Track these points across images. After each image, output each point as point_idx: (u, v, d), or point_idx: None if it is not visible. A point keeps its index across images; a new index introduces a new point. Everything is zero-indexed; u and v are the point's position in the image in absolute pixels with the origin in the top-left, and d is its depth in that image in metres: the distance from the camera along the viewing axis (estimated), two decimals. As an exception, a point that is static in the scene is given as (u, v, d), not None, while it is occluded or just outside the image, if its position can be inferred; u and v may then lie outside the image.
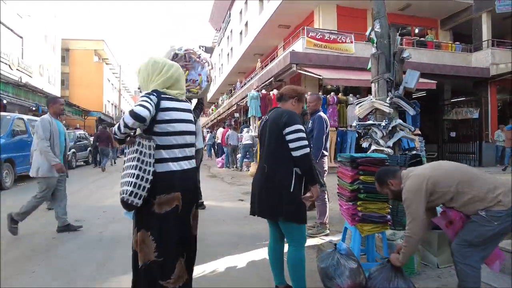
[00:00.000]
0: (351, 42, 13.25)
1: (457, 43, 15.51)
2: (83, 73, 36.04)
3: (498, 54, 14.64)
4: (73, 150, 13.25)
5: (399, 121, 3.82)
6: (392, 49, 3.97)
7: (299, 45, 12.67)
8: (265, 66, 17.16)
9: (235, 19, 26.36)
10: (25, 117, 9.90)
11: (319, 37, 12.81)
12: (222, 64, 33.32)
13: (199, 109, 4.39)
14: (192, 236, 2.18)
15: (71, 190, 7.64)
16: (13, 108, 14.89)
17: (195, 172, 2.25)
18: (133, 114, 1.84)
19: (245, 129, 12.77)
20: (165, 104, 1.99)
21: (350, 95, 11.47)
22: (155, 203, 1.92)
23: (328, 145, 10.39)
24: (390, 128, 3.78)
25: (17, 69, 19.61)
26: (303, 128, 2.23)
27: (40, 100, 19.06)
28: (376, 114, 3.94)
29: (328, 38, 12.95)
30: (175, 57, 3.41)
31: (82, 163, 15.46)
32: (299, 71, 11.63)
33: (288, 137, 2.19)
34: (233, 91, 24.84)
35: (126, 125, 1.86)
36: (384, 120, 3.81)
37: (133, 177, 1.88)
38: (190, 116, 2.17)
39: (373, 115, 3.97)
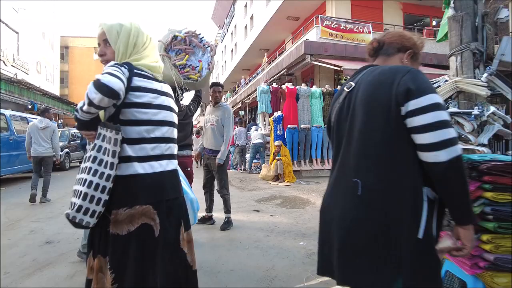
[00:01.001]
0: (369, 32, 12.19)
1: (481, 34, 14.34)
2: (83, 71, 35.21)
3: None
4: (66, 150, 12.19)
5: (493, 108, 2.70)
6: (480, 9, 2.87)
7: (312, 35, 11.60)
8: (273, 60, 16.08)
9: (240, 13, 25.30)
10: (7, 112, 8.82)
11: (334, 27, 11.76)
12: (225, 61, 32.27)
13: (197, 102, 3.97)
14: (188, 273, 1.56)
15: (55, 196, 6.60)
16: (7, 106, 13.92)
17: (177, 176, 1.62)
18: (99, 85, 1.29)
19: (253, 127, 11.69)
20: (138, 82, 1.45)
21: (371, 88, 10.34)
22: (111, 220, 1.38)
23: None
24: (484, 118, 2.67)
25: (12, 65, 18.72)
26: (443, 104, 1.12)
27: (36, 98, 18.11)
28: (458, 98, 2.84)
29: (344, 28, 11.89)
30: (174, 40, 3.18)
31: (78, 163, 14.34)
32: (314, 63, 10.54)
33: (416, 120, 1.06)
34: (237, 89, 23.82)
35: (90, 103, 1.30)
36: (477, 107, 2.70)
37: (83, 185, 1.36)
38: (170, 102, 1.62)
39: (454, 100, 2.86)
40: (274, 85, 10.38)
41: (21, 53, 20.35)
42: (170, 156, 1.55)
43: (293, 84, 9.70)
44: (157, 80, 1.57)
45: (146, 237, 1.39)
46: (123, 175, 1.38)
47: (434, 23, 15.92)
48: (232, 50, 28.62)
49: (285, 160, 8.47)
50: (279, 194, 6.91)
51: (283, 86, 9.65)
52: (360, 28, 12.09)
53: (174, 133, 1.63)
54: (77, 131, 13.13)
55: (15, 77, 17.26)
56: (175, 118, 1.63)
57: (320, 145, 9.28)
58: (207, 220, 4.40)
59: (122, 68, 1.39)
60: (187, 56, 3.27)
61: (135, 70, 1.45)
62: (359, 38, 11.94)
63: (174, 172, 1.57)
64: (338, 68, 9.99)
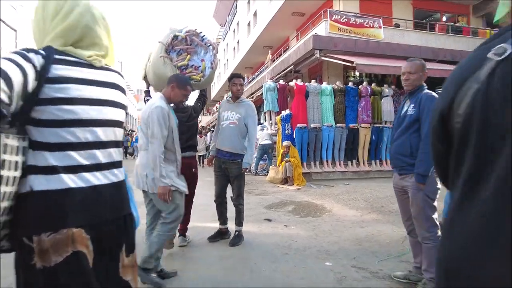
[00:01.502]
0: (380, 27, 11.60)
1: (496, 29, 13.72)
2: (82, 70, 34.60)
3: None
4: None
5: None
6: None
7: (320, 30, 11.03)
8: (277, 58, 15.51)
9: (243, 9, 24.73)
10: None
11: (343, 21, 11.17)
12: (227, 60, 31.72)
13: (202, 102, 3.71)
14: None
15: None
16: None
17: (122, 189, 1.29)
18: None
19: (259, 126, 11.13)
20: (59, 71, 1.10)
21: (385, 85, 9.79)
22: (34, 249, 1.04)
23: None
24: None
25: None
26: None
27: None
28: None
29: (354, 22, 11.31)
30: (174, 40, 3.16)
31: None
32: (323, 58, 9.97)
33: None
34: (240, 87, 23.19)
35: None
36: None
37: None
38: (114, 95, 1.25)
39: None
40: (281, 82, 9.83)
41: (19, 51, 19.83)
42: (111, 165, 1.24)
43: (302, 81, 9.15)
44: (95, 67, 1.22)
45: (77, 269, 1.11)
46: (44, 190, 1.08)
47: (444, 18, 15.32)
48: (234, 48, 28.06)
49: (294, 161, 7.91)
50: (290, 199, 6.35)
51: (292, 83, 9.09)
52: (371, 22, 11.50)
53: (118, 134, 1.29)
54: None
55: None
56: (120, 116, 1.29)
57: (331, 146, 8.72)
58: (223, 234, 3.76)
59: (31, 54, 1.06)
60: (188, 56, 3.18)
61: (56, 56, 1.12)
62: (369, 33, 11.36)
63: (117, 185, 1.25)
64: (350, 64, 9.43)
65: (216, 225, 3.89)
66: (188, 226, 3.67)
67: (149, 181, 2.47)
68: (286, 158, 7.98)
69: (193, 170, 3.51)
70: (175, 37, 3.18)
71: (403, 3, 13.97)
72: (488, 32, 13.58)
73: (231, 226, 3.78)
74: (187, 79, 2.79)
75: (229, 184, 3.69)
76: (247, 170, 3.69)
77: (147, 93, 3.72)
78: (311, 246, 3.57)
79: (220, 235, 3.73)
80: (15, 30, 19.64)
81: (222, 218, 3.75)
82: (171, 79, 2.67)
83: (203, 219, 4.64)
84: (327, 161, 8.72)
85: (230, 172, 3.54)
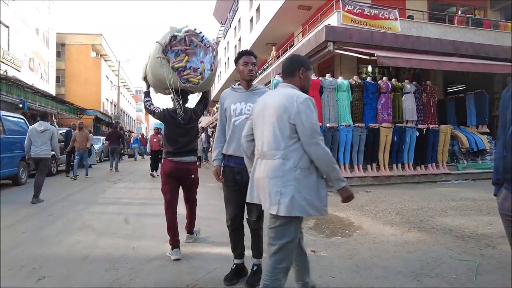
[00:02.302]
0: (396, 19, 10.74)
1: (518, 22, 12.87)
2: (80, 69, 33.79)
3: None
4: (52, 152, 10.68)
5: None
6: None
7: (333, 21, 10.13)
8: (282, 54, 14.61)
9: (244, 5, 23.85)
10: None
11: (357, 12, 10.29)
12: (228, 58, 30.81)
13: (203, 104, 3.55)
14: None
15: (9, 222, 5.06)
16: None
17: None
18: None
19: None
20: None
21: (406, 81, 8.87)
22: None
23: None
24: None
25: (1, 61, 17.29)
26: None
27: (27, 96, 16.68)
28: None
29: (369, 14, 10.44)
30: (173, 40, 3.12)
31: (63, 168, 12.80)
32: (337, 51, 9.05)
33: None
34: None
35: None
36: None
37: None
38: None
39: None
40: (291, 77, 8.90)
41: (12, 49, 18.96)
42: None
43: (315, 75, 8.23)
44: None
45: None
46: None
47: (460, 12, 14.45)
48: (235, 46, 27.18)
49: (309, 166, 6.98)
50: (308, 210, 5.43)
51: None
52: (386, 14, 10.63)
53: None
54: (64, 131, 11.70)
55: (5, 73, 15.84)
56: None
57: (349, 148, 7.79)
58: (241, 271, 2.76)
59: None
60: (187, 57, 3.11)
61: None
62: (385, 25, 10.49)
63: None
64: (368, 57, 8.51)
65: (226, 251, 2.97)
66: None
67: (291, 199, 1.83)
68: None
69: (193, 176, 3.44)
70: (174, 37, 3.10)
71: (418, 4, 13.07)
72: (510, 25, 12.68)
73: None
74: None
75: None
76: None
77: (147, 94, 3.59)
78: (356, 284, 2.65)
79: (237, 273, 2.74)
80: (7, 27, 18.80)
81: (239, 249, 2.75)
82: (302, 63, 2.10)
83: (210, 240, 3.75)
84: (344, 165, 7.79)
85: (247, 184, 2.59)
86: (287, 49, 14.51)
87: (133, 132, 38.77)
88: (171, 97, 3.29)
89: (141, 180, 9.82)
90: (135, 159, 20.14)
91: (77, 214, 5.28)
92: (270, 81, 9.16)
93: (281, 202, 1.84)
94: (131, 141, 23.04)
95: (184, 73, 3.10)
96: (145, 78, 3.49)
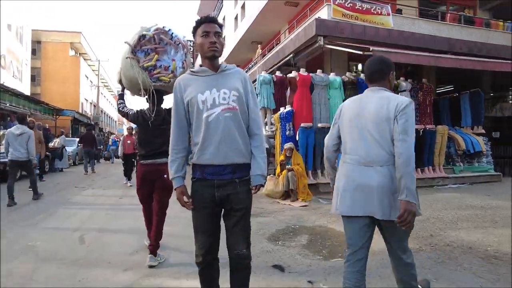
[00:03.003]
0: (388, 14, 10.17)
1: (509, 21, 12.58)
2: (57, 68, 32.23)
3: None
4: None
5: None
6: None
7: (323, 15, 9.50)
8: (269, 51, 13.93)
9: (229, 3, 23.13)
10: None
11: (348, 6, 9.67)
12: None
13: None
14: None
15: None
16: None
17: None
18: None
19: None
20: None
21: (401, 78, 8.31)
22: None
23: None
24: None
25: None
26: None
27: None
28: None
29: (360, 8, 9.83)
30: (142, 40, 3.06)
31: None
32: (328, 46, 8.42)
33: None
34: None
35: None
36: None
37: None
38: None
39: None
40: (278, 73, 8.21)
41: (-21, 45, 17.64)
42: None
43: (305, 71, 7.55)
44: None
45: None
46: None
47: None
48: (220, 45, 26.38)
49: (298, 170, 6.29)
50: (299, 222, 4.73)
51: (293, 74, 7.48)
52: (378, 9, 10.07)
53: None
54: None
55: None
56: None
57: (342, 150, 7.15)
58: None
59: None
60: (156, 56, 3.07)
61: None
62: (377, 20, 9.91)
63: None
64: (361, 53, 7.91)
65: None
66: None
67: (394, 203, 1.83)
68: (288, 166, 6.36)
69: (165, 176, 3.16)
70: (143, 36, 3.05)
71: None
72: (501, 24, 12.37)
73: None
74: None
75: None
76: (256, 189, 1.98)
77: (121, 96, 3.56)
78: None
79: None
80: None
81: None
82: (391, 65, 2.05)
83: (180, 269, 2.98)
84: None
85: (234, 203, 1.86)
86: (273, 47, 13.84)
87: (113, 133, 37.33)
88: (146, 98, 3.26)
89: (113, 186, 8.91)
90: (112, 162, 19.07)
91: (24, 230, 4.40)
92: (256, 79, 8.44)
93: (392, 206, 1.83)
94: (110, 142, 21.88)
95: (155, 72, 3.04)
96: (120, 81, 3.44)
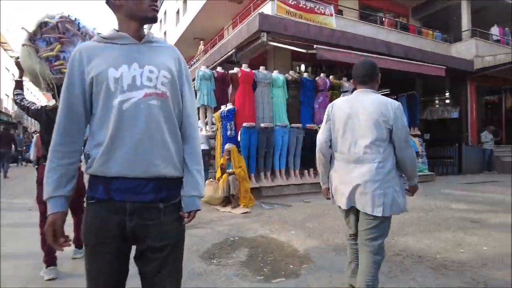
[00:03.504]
0: (331, 14, 10.17)
1: (437, 31, 13.45)
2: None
3: (480, 47, 12.93)
4: None
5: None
6: None
7: (267, 10, 9.15)
8: (211, 48, 13.30)
9: (171, -4, 21.98)
10: None
11: (292, 3, 9.46)
12: (153, 54, 28.42)
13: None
14: None
15: None
16: None
17: None
18: None
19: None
20: None
21: (344, 78, 8.24)
22: None
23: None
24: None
25: None
26: None
27: None
28: None
29: (304, 6, 9.68)
30: (43, 27, 2.80)
31: None
32: (271, 43, 8.06)
33: None
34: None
35: None
36: None
37: None
38: None
39: None
40: (220, 69, 7.65)
41: None
42: None
43: (248, 67, 7.08)
44: None
45: None
46: None
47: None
48: (161, 41, 25.08)
49: (240, 173, 5.78)
50: (239, 233, 4.21)
51: (235, 70, 6.96)
52: (322, 8, 10.00)
53: None
54: None
55: None
56: None
57: (285, 152, 6.79)
58: None
59: None
60: (58, 46, 2.82)
61: None
62: (320, 20, 9.83)
63: None
64: (304, 51, 7.68)
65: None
66: None
67: (390, 200, 1.96)
68: (229, 169, 5.82)
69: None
70: (44, 23, 2.79)
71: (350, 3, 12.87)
72: (431, 33, 13.17)
73: None
74: None
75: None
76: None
77: (19, 84, 3.17)
78: None
79: None
80: None
81: None
82: (378, 69, 2.19)
83: None
84: (280, 171, 6.77)
85: (155, 240, 1.24)
86: (216, 43, 13.24)
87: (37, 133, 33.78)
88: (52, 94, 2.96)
89: (25, 194, 7.60)
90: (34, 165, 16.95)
91: None
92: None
93: (385, 203, 1.94)
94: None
95: (57, 63, 2.81)
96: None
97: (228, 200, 5.77)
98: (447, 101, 15.60)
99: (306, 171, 7.20)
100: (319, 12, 9.86)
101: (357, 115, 2.02)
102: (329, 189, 2.26)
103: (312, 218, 4.90)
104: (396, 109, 1.98)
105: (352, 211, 2.13)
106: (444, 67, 9.57)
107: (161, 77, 1.26)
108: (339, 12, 11.32)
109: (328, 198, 2.29)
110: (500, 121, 14.67)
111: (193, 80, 8.60)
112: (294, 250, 3.54)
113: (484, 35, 13.70)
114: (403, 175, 2.09)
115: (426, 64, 9.18)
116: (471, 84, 13.07)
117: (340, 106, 2.13)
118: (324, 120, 2.22)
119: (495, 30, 14.56)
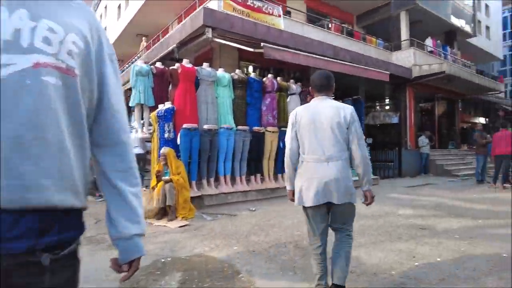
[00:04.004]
0: (279, 15, 9.94)
1: (380, 39, 13.96)
2: None
3: (418, 56, 13.67)
4: None
5: None
6: None
7: (213, 6, 8.62)
8: (153, 44, 12.42)
9: (111, -11, 20.48)
10: None
11: (240, 1, 9.04)
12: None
13: None
14: None
15: None
16: None
17: None
18: None
19: (127, 128, 7.95)
20: None
21: (291, 80, 7.97)
22: None
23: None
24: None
25: None
26: None
27: None
28: None
29: (252, 5, 9.32)
30: None
31: None
32: (216, 40, 7.55)
33: None
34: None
35: None
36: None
37: None
38: None
39: None
40: (159, 65, 6.94)
41: None
42: None
43: (190, 62, 6.47)
44: None
45: None
46: None
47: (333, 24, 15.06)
48: (100, 36, 23.30)
49: (179, 181, 5.15)
50: (172, 252, 3.60)
51: (175, 66, 6.32)
52: (270, 8, 9.73)
53: None
54: None
55: None
56: None
57: (231, 156, 6.28)
58: None
59: None
60: None
61: None
62: (268, 20, 9.53)
63: None
64: (252, 50, 7.30)
65: None
66: None
67: (354, 190, 2.30)
68: (166, 177, 5.16)
69: None
70: None
71: (297, 2, 12.82)
72: (374, 40, 13.62)
73: None
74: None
75: None
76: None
77: None
78: None
79: None
80: None
81: None
82: (333, 80, 2.47)
83: None
84: (224, 177, 6.24)
85: None
86: (160, 39, 12.38)
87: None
88: None
89: None
90: None
91: None
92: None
93: (352, 193, 2.26)
94: None
95: None
96: None
97: (165, 211, 5.10)
98: (387, 107, 16.36)
99: (252, 177, 6.76)
100: (267, 12, 9.56)
101: (320, 120, 2.27)
102: (294, 191, 2.39)
103: (257, 229, 4.45)
104: (352, 112, 2.28)
105: (321, 207, 2.28)
106: (389, 72, 9.80)
107: (69, 43, 0.78)
108: (287, 13, 11.18)
109: (292, 200, 2.41)
110: (433, 127, 15.66)
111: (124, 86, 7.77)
112: (236, 272, 3.04)
113: (420, 45, 14.54)
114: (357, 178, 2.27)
115: (372, 69, 9.29)
116: (410, 91, 13.73)
117: (302, 113, 2.35)
118: (289, 127, 2.39)
119: (429, 42, 15.56)
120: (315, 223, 2.33)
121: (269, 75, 7.35)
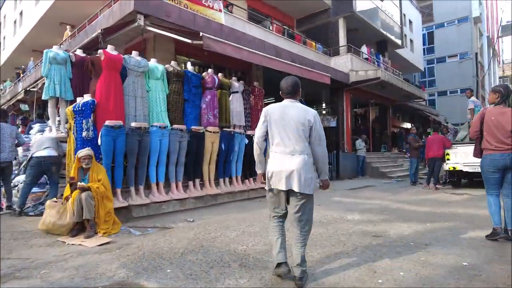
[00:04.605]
0: (220, 10, 9.37)
1: (319, 43, 14.14)
2: None
3: (354, 62, 14.11)
4: None
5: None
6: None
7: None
8: (78, 32, 10.99)
9: (28, -30, 18.02)
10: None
11: (178, -10, 8.26)
12: (4, 37, 23.05)
13: None
14: None
15: None
16: None
17: None
18: None
19: (37, 126, 6.65)
20: None
21: (234, 78, 7.42)
22: None
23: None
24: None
25: None
26: None
27: None
28: None
29: (191, -4, 8.58)
30: None
31: None
32: (150, 29, 6.72)
33: None
34: (22, 76, 16.54)
35: None
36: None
37: None
38: None
39: None
40: (79, 52, 5.90)
41: None
42: None
43: (115, 49, 5.55)
44: None
45: None
46: None
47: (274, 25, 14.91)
48: (15, 21, 20.42)
49: (99, 189, 4.26)
50: (86, 281, 2.79)
51: (99, 52, 5.36)
52: (210, 2, 9.10)
53: None
54: None
55: None
56: None
57: (164, 159, 5.50)
58: None
59: None
60: None
61: None
62: (208, 14, 8.89)
63: None
64: (190, 41, 6.60)
65: None
66: None
67: (313, 182, 2.62)
68: (82, 183, 4.23)
69: None
70: None
71: (238, 2, 12.37)
72: (314, 44, 13.73)
73: None
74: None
75: None
76: None
77: None
78: None
79: None
80: None
81: None
82: (300, 86, 2.83)
83: None
84: (157, 184, 5.45)
85: None
86: (86, 27, 10.98)
87: None
88: None
89: None
90: None
91: None
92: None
93: (311, 184, 2.59)
94: None
95: None
96: None
97: (83, 227, 4.18)
98: (324, 111, 16.73)
99: (191, 183, 6.05)
100: (207, 5, 8.92)
101: (287, 119, 2.61)
102: (264, 174, 2.71)
103: (196, 245, 3.79)
104: (314, 115, 2.65)
105: (284, 193, 2.64)
106: (330, 75, 9.78)
107: None
108: (228, 6, 10.66)
109: (263, 183, 2.75)
110: (367, 131, 16.35)
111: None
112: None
113: (356, 52, 15.07)
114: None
115: (315, 70, 9.17)
116: (347, 95, 14.11)
117: (273, 111, 2.68)
118: (261, 120, 2.72)
119: (364, 49, 16.24)
120: (275, 205, 2.72)
121: (209, 70, 6.72)
